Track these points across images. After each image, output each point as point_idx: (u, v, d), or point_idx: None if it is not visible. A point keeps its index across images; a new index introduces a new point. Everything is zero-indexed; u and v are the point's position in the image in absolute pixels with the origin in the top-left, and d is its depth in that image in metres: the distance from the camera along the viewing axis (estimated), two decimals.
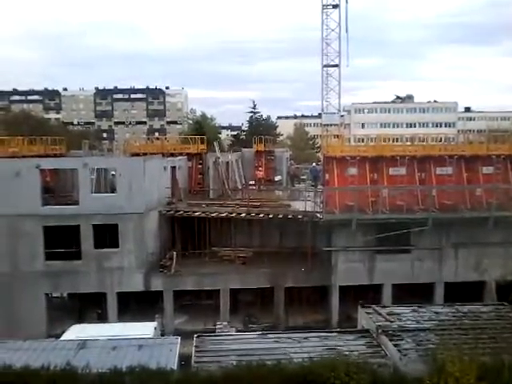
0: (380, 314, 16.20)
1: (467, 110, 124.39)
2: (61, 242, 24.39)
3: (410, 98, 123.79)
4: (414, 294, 24.66)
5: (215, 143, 40.08)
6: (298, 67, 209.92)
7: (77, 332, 16.50)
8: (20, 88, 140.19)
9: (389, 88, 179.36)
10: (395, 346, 13.83)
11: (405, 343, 14.08)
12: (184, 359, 13.56)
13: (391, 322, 15.67)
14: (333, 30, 54.24)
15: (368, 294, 24.91)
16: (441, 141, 33.28)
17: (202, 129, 62.79)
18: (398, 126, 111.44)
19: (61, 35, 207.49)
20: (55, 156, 33.45)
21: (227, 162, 38.05)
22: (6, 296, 23.75)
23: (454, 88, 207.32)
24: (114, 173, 27.22)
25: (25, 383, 10.94)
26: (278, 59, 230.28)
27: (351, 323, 20.74)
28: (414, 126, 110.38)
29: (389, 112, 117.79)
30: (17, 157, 29.25)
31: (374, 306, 17.20)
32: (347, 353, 12.88)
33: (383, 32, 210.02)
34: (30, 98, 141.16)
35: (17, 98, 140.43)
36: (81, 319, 23.82)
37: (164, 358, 12.89)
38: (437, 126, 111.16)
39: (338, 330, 17.54)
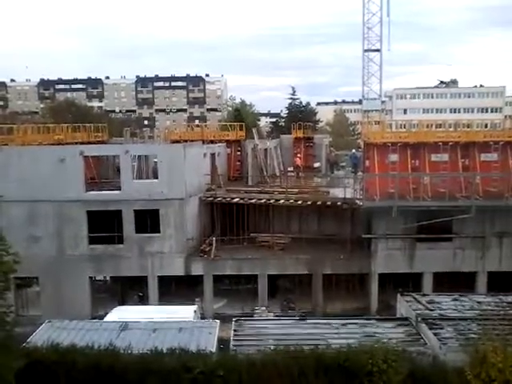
0: (420, 303, 15.99)
1: None
2: (104, 226, 25.06)
3: (454, 82, 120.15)
4: (455, 283, 24.17)
5: (254, 130, 40.07)
6: (338, 53, 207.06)
7: (119, 314, 16.93)
8: (64, 77, 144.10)
9: (432, 73, 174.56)
10: (435, 334, 13.63)
11: (445, 332, 13.85)
12: (223, 342, 13.78)
13: (431, 310, 15.44)
14: (374, 14, 53.25)
15: (408, 283, 24.61)
16: (486, 126, 32.27)
17: (241, 116, 62.87)
18: (441, 112, 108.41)
19: (103, 25, 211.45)
20: (98, 143, 34.27)
21: (266, 149, 38.01)
22: (53, 278, 24.60)
23: (503, 72, 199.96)
24: (156, 160, 27.68)
25: (71, 361, 11.38)
26: (319, 45, 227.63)
27: (390, 311, 20.56)
28: (459, 112, 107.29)
29: (432, 97, 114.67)
30: (61, 144, 30.14)
31: (413, 294, 16.99)
32: (386, 340, 12.78)
33: (426, 16, 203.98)
34: (73, 86, 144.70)
35: (61, 86, 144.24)
36: (123, 302, 24.53)
37: (203, 341, 13.13)
38: (482, 112, 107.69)
39: (377, 317, 17.42)
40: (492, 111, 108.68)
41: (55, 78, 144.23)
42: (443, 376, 11.35)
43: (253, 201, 27.06)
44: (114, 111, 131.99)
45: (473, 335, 13.25)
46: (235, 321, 14.83)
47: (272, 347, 12.36)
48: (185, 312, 17.06)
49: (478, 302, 16.31)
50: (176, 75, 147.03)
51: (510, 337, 12.70)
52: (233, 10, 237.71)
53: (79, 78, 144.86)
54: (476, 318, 14.68)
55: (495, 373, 11.05)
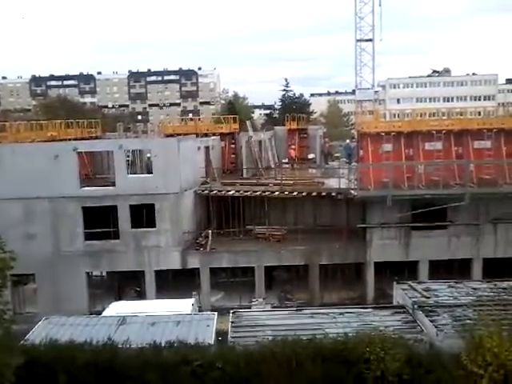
0: (416, 290, 16.04)
1: (509, 81, 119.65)
2: (99, 222, 25.03)
3: (447, 71, 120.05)
4: (451, 270, 24.36)
5: (248, 122, 40.03)
6: (331, 44, 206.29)
7: (117, 309, 16.94)
8: (56, 73, 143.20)
9: (425, 62, 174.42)
10: (431, 321, 13.68)
11: (441, 319, 13.92)
12: (221, 335, 13.81)
13: (427, 297, 15.49)
14: (366, 4, 53.07)
15: (404, 271, 24.74)
16: (479, 114, 32.34)
17: (235, 108, 62.76)
18: (434, 101, 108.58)
19: (95, 21, 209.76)
20: (91, 139, 34.15)
21: (260, 141, 37.99)
22: (50, 275, 24.59)
23: (496, 59, 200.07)
24: (149, 155, 27.64)
25: (69, 356, 11.38)
26: (311, 36, 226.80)
27: (386, 300, 20.63)
28: (452, 101, 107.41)
29: (425, 86, 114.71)
30: (55, 140, 30.01)
31: (409, 282, 17.05)
32: (382, 328, 12.83)
33: (418, 4, 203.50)
34: (65, 82, 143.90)
35: (53, 83, 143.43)
36: (120, 297, 24.55)
37: (201, 334, 13.13)
38: (476, 100, 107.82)
39: (374, 305, 17.47)
40: (485, 99, 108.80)
41: (47, 75, 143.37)
42: (440, 362, 11.42)
43: (248, 193, 27.09)
44: (106, 106, 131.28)
45: (469, 321, 13.30)
46: (233, 313, 14.84)
47: (270, 338, 12.40)
48: (182, 305, 17.05)
49: (474, 289, 16.35)
50: (169, 69, 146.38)
51: (506, 322, 12.79)
52: (224, 4, 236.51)
53: (71, 73, 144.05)
54: (472, 305, 14.73)
55: (491, 357, 11.14)
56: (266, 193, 27.02)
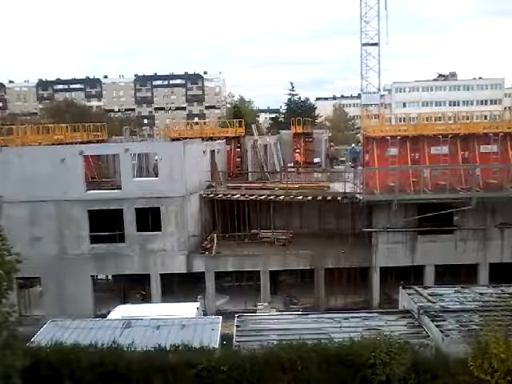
0: (422, 295, 15.99)
1: None
2: (105, 225, 25.08)
3: (453, 75, 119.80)
4: (457, 275, 24.24)
5: (253, 126, 40.05)
6: (337, 47, 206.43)
7: (122, 312, 16.92)
8: (63, 77, 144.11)
9: (431, 65, 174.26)
10: (437, 326, 13.63)
11: (447, 324, 13.87)
12: (225, 339, 13.80)
13: (433, 302, 15.43)
14: (371, 8, 52.89)
15: (409, 275, 24.63)
16: (486, 118, 32.22)
17: (240, 112, 62.81)
18: (440, 105, 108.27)
19: (101, 25, 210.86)
20: (97, 142, 34.27)
21: (265, 145, 38.00)
22: (55, 278, 24.67)
23: (502, 63, 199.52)
24: (156, 158, 27.69)
25: (75, 359, 11.39)
26: (317, 40, 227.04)
27: (392, 305, 20.60)
28: (458, 105, 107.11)
29: (431, 90, 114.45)
30: (61, 144, 30.14)
31: (415, 286, 16.99)
32: (388, 333, 12.77)
33: (424, 7, 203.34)
34: (72, 86, 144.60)
35: (60, 87, 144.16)
36: (125, 300, 24.57)
37: (206, 337, 13.12)
38: (482, 104, 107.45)
39: (379, 310, 17.41)
40: (491, 103, 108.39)
41: (53, 79, 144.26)
42: (446, 367, 11.36)
43: (253, 197, 27.07)
44: (112, 110, 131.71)
45: (475, 326, 13.25)
46: (238, 317, 14.85)
47: (275, 342, 12.37)
48: (187, 309, 17.06)
49: (480, 294, 16.30)
50: (174, 73, 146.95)
51: None
52: (230, 8, 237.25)
53: (77, 77, 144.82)
54: (478, 310, 14.68)
55: (497, 363, 11.06)
56: (272, 197, 26.98)
